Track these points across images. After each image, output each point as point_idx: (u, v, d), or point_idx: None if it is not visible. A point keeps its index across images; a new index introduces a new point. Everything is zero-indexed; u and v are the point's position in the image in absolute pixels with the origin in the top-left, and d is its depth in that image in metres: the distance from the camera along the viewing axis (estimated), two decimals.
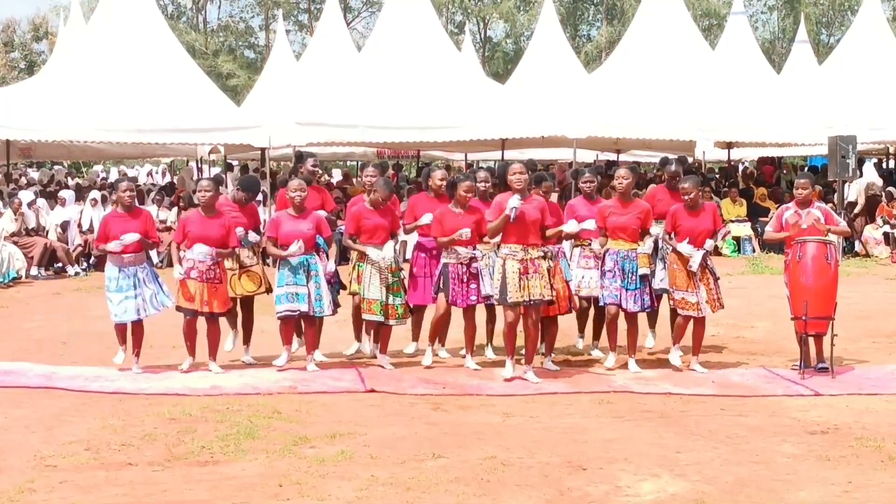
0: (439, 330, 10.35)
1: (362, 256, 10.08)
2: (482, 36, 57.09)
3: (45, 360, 10.50)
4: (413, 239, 10.86)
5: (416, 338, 10.76)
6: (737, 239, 21.03)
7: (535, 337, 9.71)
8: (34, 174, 29.76)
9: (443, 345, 10.76)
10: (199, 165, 28.07)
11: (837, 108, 21.88)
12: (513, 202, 9.30)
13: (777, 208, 21.78)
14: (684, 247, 9.93)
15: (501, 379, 9.58)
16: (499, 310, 10.27)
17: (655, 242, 10.22)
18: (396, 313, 10.15)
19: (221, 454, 7.27)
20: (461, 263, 9.99)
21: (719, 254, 20.56)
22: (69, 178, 29.40)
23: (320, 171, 10.90)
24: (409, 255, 10.55)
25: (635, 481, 6.69)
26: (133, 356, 9.95)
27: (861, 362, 10.56)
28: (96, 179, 28.00)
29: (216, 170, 30.73)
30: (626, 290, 10.00)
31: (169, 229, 18.60)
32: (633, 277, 9.99)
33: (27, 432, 7.89)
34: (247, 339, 10.49)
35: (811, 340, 9.94)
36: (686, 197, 10.05)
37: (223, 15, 58.82)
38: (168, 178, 33.66)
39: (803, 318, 9.67)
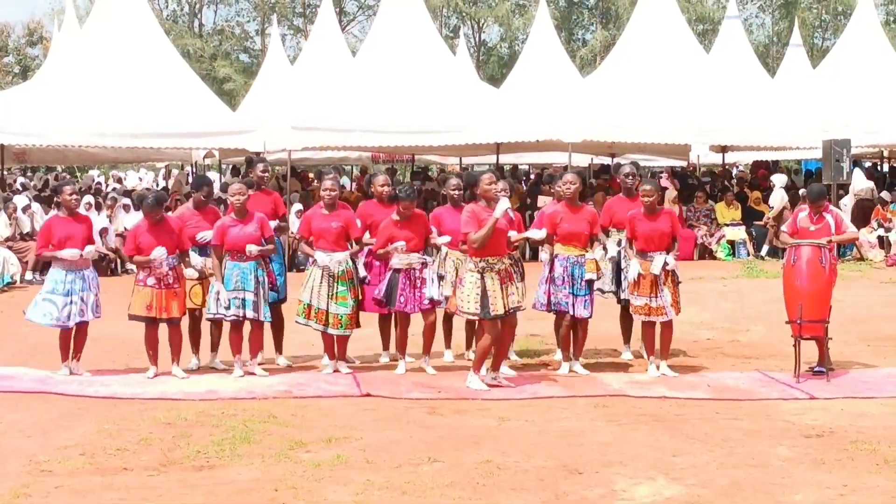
0: (405, 341, 10.24)
1: (313, 261, 10.07)
2: (477, 40, 57.11)
3: (40, 364, 10.48)
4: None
5: (385, 346, 10.71)
6: (731, 243, 21.05)
7: (509, 342, 9.81)
8: (21, 179, 29.75)
9: (386, 348, 10.75)
10: (195, 170, 28.07)
11: (832, 111, 21.93)
12: (503, 205, 9.18)
13: (770, 211, 22.02)
14: (632, 270, 9.96)
15: (474, 392, 9.34)
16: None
17: (618, 252, 10.28)
18: (340, 322, 10.01)
19: (217, 459, 7.26)
20: (413, 268, 10.01)
21: (714, 257, 20.64)
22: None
23: (269, 176, 10.80)
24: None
25: (631, 485, 6.69)
26: (74, 360, 9.96)
27: (856, 365, 10.57)
28: (90, 184, 27.98)
29: (212, 173, 30.76)
30: (576, 296, 10.00)
31: None
32: (582, 283, 10.00)
33: (22, 437, 7.88)
34: (215, 346, 10.44)
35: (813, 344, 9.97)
36: (647, 199, 10.02)
37: (219, 19, 58.83)
38: (161, 183, 33.60)
39: (798, 321, 9.68)
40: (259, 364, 10.05)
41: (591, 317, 10.16)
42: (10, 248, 17.27)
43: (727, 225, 21.28)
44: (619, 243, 10.42)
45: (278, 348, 10.61)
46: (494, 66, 54.93)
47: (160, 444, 7.60)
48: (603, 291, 10.49)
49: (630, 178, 10.71)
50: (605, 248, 10.25)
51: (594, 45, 52.00)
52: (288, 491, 6.53)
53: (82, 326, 9.95)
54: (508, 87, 26.72)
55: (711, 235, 21.17)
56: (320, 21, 27.48)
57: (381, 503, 6.34)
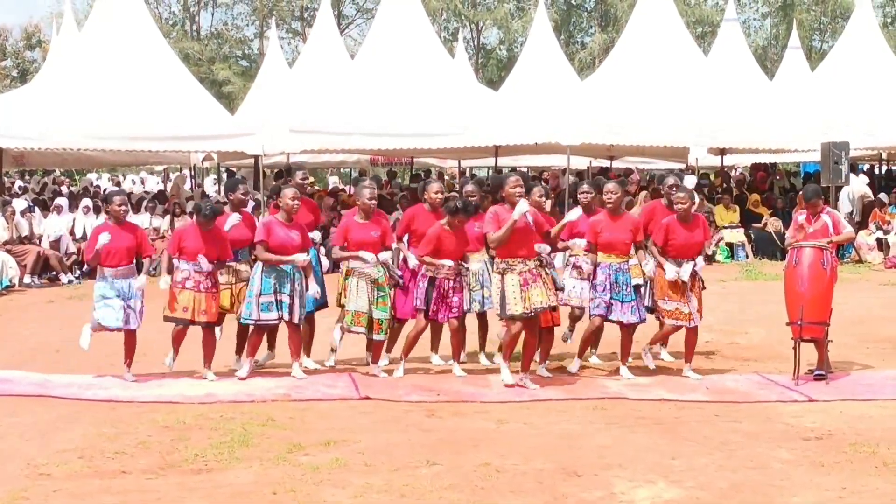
0: (413, 345, 10.27)
1: (350, 270, 10.06)
2: (476, 42, 57.13)
3: (38, 368, 10.48)
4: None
5: (389, 349, 10.67)
6: (730, 245, 21.05)
7: (534, 345, 9.73)
8: (20, 182, 29.76)
9: (435, 352, 10.76)
10: (193, 173, 28.06)
11: (830, 114, 21.92)
12: (522, 207, 9.29)
13: (770, 214, 22.03)
14: (670, 270, 9.95)
15: (498, 385, 9.58)
16: (491, 318, 10.30)
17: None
18: (381, 327, 10.08)
19: (215, 462, 7.26)
20: (447, 278, 10.03)
21: (714, 261, 20.63)
22: (62, 187, 29.41)
23: (309, 183, 10.80)
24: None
25: (630, 487, 6.69)
26: (125, 365, 9.93)
27: (855, 368, 10.57)
28: (89, 187, 27.99)
29: (210, 178, 30.77)
30: (622, 302, 10.00)
31: (163, 237, 18.59)
32: (628, 289, 10.01)
33: (21, 440, 7.87)
34: (240, 349, 10.46)
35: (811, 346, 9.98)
36: (680, 206, 10.06)
37: (217, 23, 58.83)
38: (158, 186, 33.58)
39: (798, 323, 9.68)
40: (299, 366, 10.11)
41: (642, 321, 10.15)
42: (8, 251, 17.26)
43: (726, 227, 21.27)
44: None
45: (307, 351, 10.60)
46: (493, 68, 54.94)
47: (158, 448, 7.60)
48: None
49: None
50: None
51: (593, 47, 51.98)
52: (286, 494, 6.52)
53: (130, 333, 9.92)
54: (507, 90, 26.70)
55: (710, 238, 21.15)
56: (318, 24, 27.46)
57: None
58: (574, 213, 10.05)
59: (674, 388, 9.66)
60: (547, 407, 8.94)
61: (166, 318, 9.90)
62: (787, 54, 31.62)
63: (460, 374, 10.11)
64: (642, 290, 10.11)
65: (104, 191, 27.25)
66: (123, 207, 10.05)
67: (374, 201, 10.20)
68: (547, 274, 9.64)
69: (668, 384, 9.80)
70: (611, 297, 9.98)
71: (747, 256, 20.97)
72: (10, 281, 16.87)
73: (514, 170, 27.97)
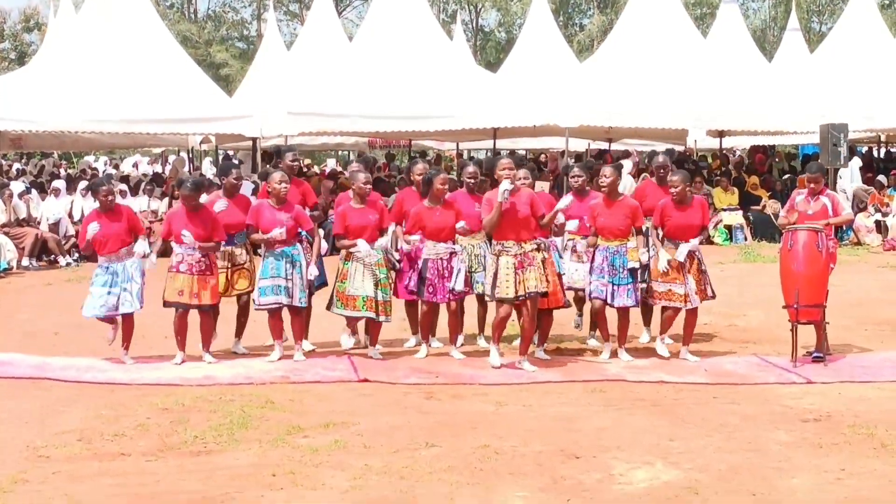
0: (428, 325, 10.34)
1: (349, 254, 10.07)
2: (474, 25, 57.03)
3: (37, 350, 10.48)
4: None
5: (415, 331, 10.72)
6: (728, 227, 21.03)
7: (531, 329, 9.72)
8: (18, 165, 29.69)
9: (433, 335, 10.76)
10: (191, 156, 28.00)
11: (829, 96, 21.89)
12: (504, 185, 9.29)
13: (769, 196, 22.02)
14: (662, 260, 9.95)
15: (490, 367, 9.58)
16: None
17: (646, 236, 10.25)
18: (388, 311, 10.09)
19: (214, 444, 7.27)
20: (441, 259, 10.02)
21: (711, 242, 20.61)
22: (60, 169, 29.35)
23: (299, 165, 10.77)
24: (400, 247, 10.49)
25: (628, 469, 6.70)
26: (122, 349, 9.93)
27: (853, 350, 10.58)
28: (87, 169, 27.93)
29: (207, 160, 30.71)
30: (618, 285, 9.99)
31: (161, 220, 18.57)
32: (624, 272, 10.00)
33: (20, 423, 7.88)
34: (239, 332, 10.48)
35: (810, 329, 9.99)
36: (673, 190, 10.05)
37: (215, 5, 58.70)
38: (156, 169, 33.50)
39: (795, 306, 9.68)
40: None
41: (635, 305, 10.14)
42: (6, 233, 17.24)
43: (724, 210, 21.26)
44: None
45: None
46: (492, 51, 54.90)
47: (158, 430, 7.61)
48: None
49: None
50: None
51: (592, 29, 51.97)
52: (285, 476, 6.53)
53: (128, 317, 9.95)
54: (505, 73, 26.62)
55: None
56: (317, 6, 27.39)
57: (378, 488, 6.35)
58: (565, 201, 10.02)
59: (672, 370, 9.66)
60: (545, 389, 8.95)
61: (165, 304, 9.90)
62: (786, 36, 31.57)
63: (458, 356, 10.12)
64: (638, 273, 10.10)
65: (103, 173, 27.26)
66: (109, 197, 10.03)
67: (369, 185, 10.21)
68: (544, 259, 9.63)
69: (666, 367, 9.80)
70: (608, 280, 9.98)
71: (746, 239, 20.95)
72: (9, 264, 16.85)
73: (512, 153, 27.96)
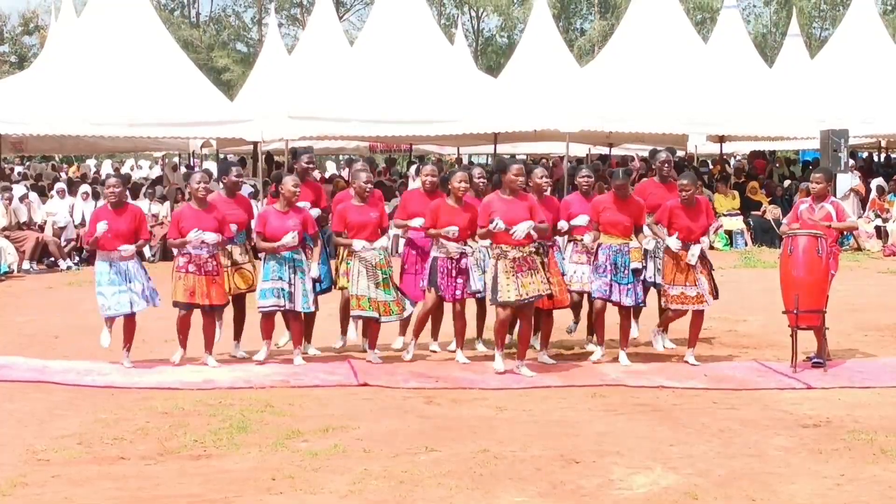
0: (424, 324, 10.33)
1: (350, 253, 10.06)
2: (475, 29, 57.06)
3: (37, 354, 10.48)
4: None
5: (402, 332, 10.72)
6: (729, 233, 21.05)
7: (528, 333, 9.72)
8: (19, 168, 29.72)
9: (435, 339, 10.76)
10: (192, 159, 28.04)
11: (829, 101, 21.92)
12: (495, 226, 9.22)
13: (769, 202, 22.03)
14: (672, 241, 9.94)
15: (494, 372, 9.58)
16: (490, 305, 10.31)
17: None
18: (390, 310, 10.08)
19: (214, 448, 7.26)
20: (451, 258, 10.01)
21: (712, 247, 20.60)
22: (61, 173, 29.39)
23: (315, 167, 10.78)
24: (400, 250, 10.50)
25: (628, 474, 6.70)
26: (124, 350, 9.93)
27: (853, 355, 10.58)
28: (88, 173, 27.96)
29: (209, 164, 30.72)
30: (619, 284, 10.00)
31: (162, 224, 18.58)
32: (626, 272, 10.00)
33: (19, 426, 7.88)
34: (238, 335, 10.47)
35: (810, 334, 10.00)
36: (684, 194, 10.06)
37: (216, 9, 58.75)
38: (156, 172, 33.55)
39: (794, 311, 9.68)
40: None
41: (636, 305, 10.14)
42: (6, 237, 17.25)
43: (724, 215, 21.27)
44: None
45: (308, 337, 10.59)
46: (492, 55, 54.91)
47: (157, 434, 7.60)
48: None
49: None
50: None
51: (592, 34, 51.96)
52: (285, 480, 6.53)
53: (130, 318, 9.91)
54: (506, 77, 26.68)
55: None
56: (318, 10, 27.43)
57: (377, 492, 6.34)
58: (580, 219, 10.12)
59: (672, 375, 9.66)
60: (545, 394, 8.94)
61: (175, 304, 9.86)
62: (787, 41, 31.61)
63: (463, 360, 10.09)
64: (643, 273, 10.09)
65: (106, 176, 27.29)
66: (117, 189, 9.99)
67: (370, 184, 10.21)
68: (544, 261, 9.63)
69: (666, 371, 9.81)
70: (611, 279, 9.98)
71: (746, 244, 20.98)
72: (9, 267, 16.87)
73: (513, 157, 27.92)
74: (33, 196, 19.17)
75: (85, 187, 20.42)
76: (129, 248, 9.78)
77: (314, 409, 8.37)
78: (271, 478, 6.57)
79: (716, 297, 10.35)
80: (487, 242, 9.70)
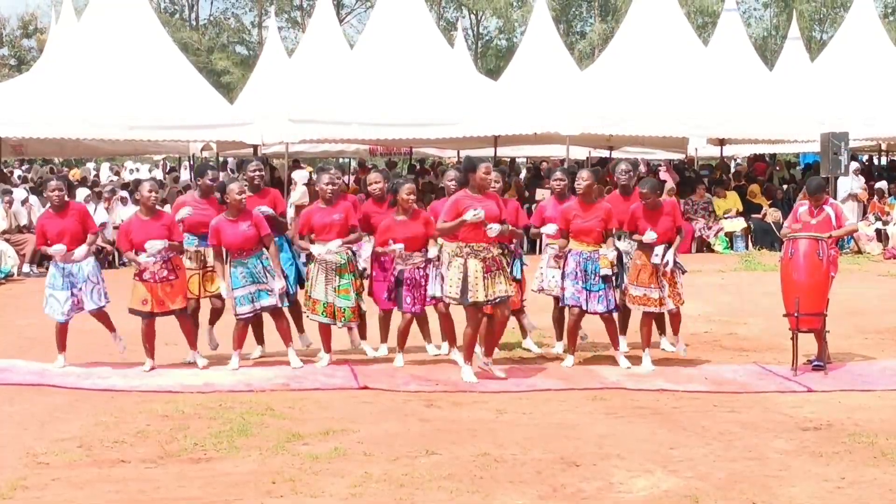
0: (406, 336, 10.21)
1: (310, 256, 10.03)
2: (475, 32, 57.08)
3: (37, 357, 10.47)
4: (368, 247, 10.67)
5: (384, 339, 10.61)
6: (729, 235, 21.05)
7: (501, 333, 9.70)
8: (19, 172, 29.72)
9: (428, 341, 10.73)
10: (192, 162, 28.03)
11: (830, 104, 21.93)
12: (475, 214, 9.09)
13: (770, 204, 22.04)
14: (648, 234, 9.91)
15: (464, 382, 9.38)
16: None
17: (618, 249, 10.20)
18: (343, 315, 10.01)
19: (214, 451, 7.26)
20: (417, 267, 10.01)
21: (712, 250, 20.64)
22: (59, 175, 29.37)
23: (261, 175, 10.71)
24: (365, 258, 10.44)
25: (628, 477, 6.69)
26: (114, 338, 10.10)
27: (853, 358, 10.57)
28: (88, 176, 27.97)
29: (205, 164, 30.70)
30: (590, 291, 9.94)
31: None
32: (596, 278, 9.94)
33: (19, 429, 7.88)
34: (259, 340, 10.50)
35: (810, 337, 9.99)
36: (645, 202, 10.04)
37: (215, 11, 58.77)
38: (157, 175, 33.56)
39: (795, 314, 9.68)
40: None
41: (608, 311, 10.02)
42: (7, 240, 17.25)
43: (725, 218, 21.28)
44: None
45: (299, 328, 10.61)
46: (492, 58, 54.94)
47: (157, 437, 7.60)
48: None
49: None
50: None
51: (592, 37, 51.99)
52: (285, 483, 6.53)
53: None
54: (506, 80, 26.69)
55: (709, 228, 21.17)
56: (318, 13, 27.45)
57: (378, 495, 6.34)
58: (548, 228, 10.13)
59: (672, 378, 9.66)
60: (545, 397, 8.94)
61: (131, 311, 9.88)
62: (787, 45, 31.64)
63: (460, 360, 10.03)
64: (614, 280, 10.05)
65: (107, 180, 27.32)
66: (57, 192, 10.01)
67: (330, 186, 10.09)
68: (508, 261, 9.63)
69: (666, 374, 9.80)
70: (581, 286, 9.95)
71: (746, 247, 20.97)
72: (10, 270, 16.87)
73: (513, 161, 27.88)
74: (34, 199, 19.17)
75: (84, 191, 20.40)
76: (61, 248, 9.81)
77: (314, 412, 8.37)
78: (271, 481, 6.57)
79: (680, 303, 10.31)
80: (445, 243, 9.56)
